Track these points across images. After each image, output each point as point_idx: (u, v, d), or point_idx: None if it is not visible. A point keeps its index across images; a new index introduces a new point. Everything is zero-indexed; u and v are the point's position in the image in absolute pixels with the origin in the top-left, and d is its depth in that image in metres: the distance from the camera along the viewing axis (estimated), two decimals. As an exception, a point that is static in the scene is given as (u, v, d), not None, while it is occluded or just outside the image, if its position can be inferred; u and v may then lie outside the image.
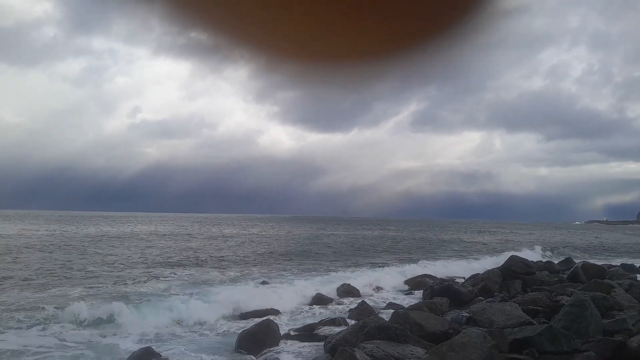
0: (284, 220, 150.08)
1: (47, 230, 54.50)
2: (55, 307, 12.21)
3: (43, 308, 12.31)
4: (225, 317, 13.00)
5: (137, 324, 11.72)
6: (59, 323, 11.25)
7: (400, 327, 9.28)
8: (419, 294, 17.05)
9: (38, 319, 11.42)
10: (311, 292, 16.61)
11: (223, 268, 23.99)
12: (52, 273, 20.32)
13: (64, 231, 53.11)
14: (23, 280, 18.17)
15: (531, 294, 13.74)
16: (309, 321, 12.18)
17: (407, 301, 15.37)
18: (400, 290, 18.55)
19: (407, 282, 20.33)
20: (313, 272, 23.17)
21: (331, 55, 1.72)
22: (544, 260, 26.19)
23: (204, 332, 11.63)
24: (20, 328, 10.90)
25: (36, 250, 30.11)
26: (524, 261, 17.95)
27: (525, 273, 17.09)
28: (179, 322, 12.22)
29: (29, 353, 9.36)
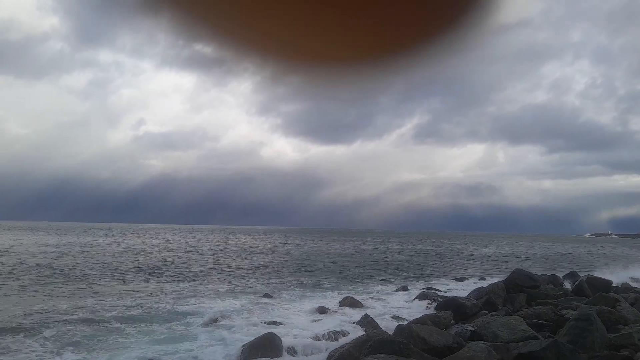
0: (287, 232, 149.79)
1: (68, 240, 54.56)
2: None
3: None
4: (229, 328, 12.92)
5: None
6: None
7: (403, 341, 9.20)
8: (422, 307, 16.92)
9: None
10: (314, 305, 16.53)
11: (225, 280, 23.90)
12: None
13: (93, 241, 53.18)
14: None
15: (536, 307, 13.61)
16: (312, 334, 12.09)
17: (410, 314, 15.24)
18: (403, 304, 18.42)
19: (410, 295, 20.19)
20: (316, 285, 23.07)
21: (334, 68, 1.73)
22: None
23: (209, 341, 11.53)
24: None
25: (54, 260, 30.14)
26: (528, 274, 17.83)
27: (530, 286, 16.95)
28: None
29: None
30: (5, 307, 14.95)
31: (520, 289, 16.63)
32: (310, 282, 24.15)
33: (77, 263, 30.15)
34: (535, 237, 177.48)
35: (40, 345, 10.79)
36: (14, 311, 14.20)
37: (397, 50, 1.69)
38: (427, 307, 16.50)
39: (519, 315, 12.07)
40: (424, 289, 21.59)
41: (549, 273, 25.15)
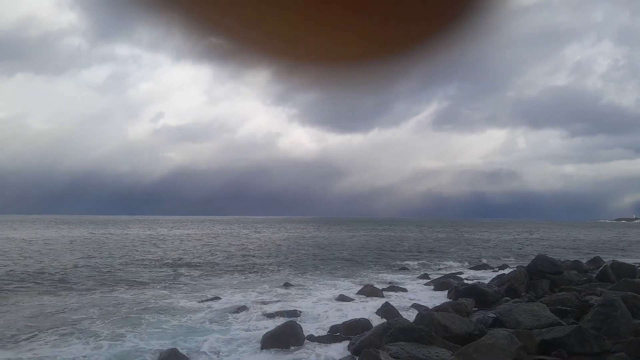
0: (305, 222, 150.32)
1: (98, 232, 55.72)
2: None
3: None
4: (250, 317, 13.09)
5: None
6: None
7: (425, 328, 9.19)
8: (443, 295, 16.87)
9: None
10: (334, 294, 16.62)
11: (245, 270, 24.16)
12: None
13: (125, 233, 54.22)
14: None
15: (559, 294, 13.45)
16: (333, 322, 12.15)
17: (431, 302, 15.20)
18: (424, 292, 18.38)
19: (431, 283, 20.13)
20: (336, 274, 23.16)
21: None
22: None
23: (230, 331, 11.69)
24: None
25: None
26: (551, 260, 17.59)
27: (553, 272, 16.73)
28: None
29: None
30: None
31: (542, 276, 16.43)
32: (329, 271, 24.26)
33: (99, 254, 30.79)
34: (558, 223, 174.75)
35: (61, 336, 11.08)
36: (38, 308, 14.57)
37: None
38: (448, 294, 16.43)
39: (541, 302, 11.94)
40: (444, 276, 21.49)
41: (572, 259, 24.80)
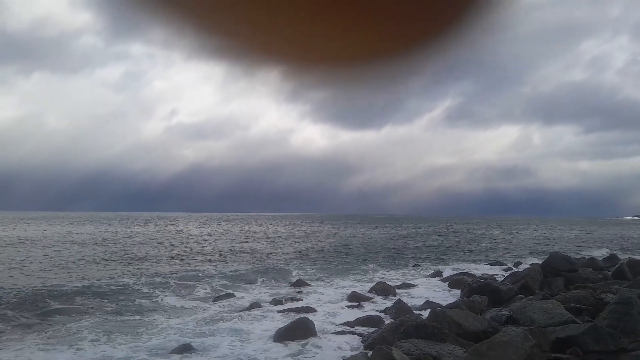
0: (318, 219, 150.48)
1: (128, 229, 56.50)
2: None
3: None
4: (263, 314, 13.16)
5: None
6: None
7: (438, 325, 9.17)
8: (456, 292, 16.79)
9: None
10: (347, 291, 16.62)
11: (257, 266, 24.25)
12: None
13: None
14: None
15: (574, 291, 13.30)
16: (345, 319, 12.17)
17: (444, 300, 15.15)
18: (437, 289, 18.31)
19: (444, 280, 20.05)
20: (348, 271, 23.16)
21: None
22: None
23: (243, 327, 11.76)
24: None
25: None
26: (566, 258, 17.41)
27: (568, 270, 16.56)
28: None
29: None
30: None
31: (557, 273, 16.27)
32: (342, 268, 24.24)
33: (110, 250, 31.17)
34: (573, 220, 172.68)
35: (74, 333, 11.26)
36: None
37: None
38: (462, 292, 16.35)
39: (556, 300, 11.83)
40: (457, 274, 21.38)
41: (588, 256, 24.50)
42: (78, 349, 9.88)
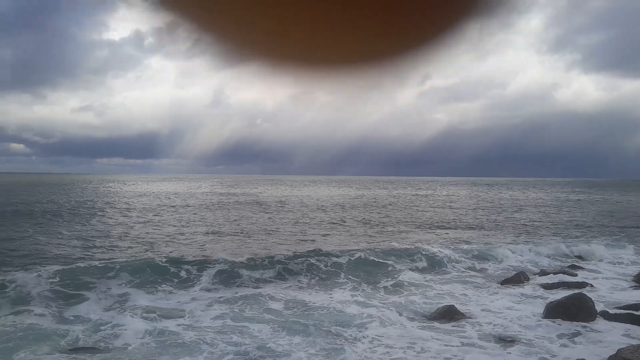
0: (591, 185, 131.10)
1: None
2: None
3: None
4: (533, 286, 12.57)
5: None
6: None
7: None
8: None
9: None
10: (634, 268, 14.39)
11: (522, 235, 22.95)
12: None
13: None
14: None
15: None
16: (632, 300, 10.60)
17: None
18: None
19: None
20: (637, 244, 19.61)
21: None
22: None
23: (508, 297, 11.47)
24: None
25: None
26: None
27: None
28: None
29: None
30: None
31: None
32: (626, 242, 20.65)
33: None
34: None
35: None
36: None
37: None
38: None
39: None
40: None
41: None
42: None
